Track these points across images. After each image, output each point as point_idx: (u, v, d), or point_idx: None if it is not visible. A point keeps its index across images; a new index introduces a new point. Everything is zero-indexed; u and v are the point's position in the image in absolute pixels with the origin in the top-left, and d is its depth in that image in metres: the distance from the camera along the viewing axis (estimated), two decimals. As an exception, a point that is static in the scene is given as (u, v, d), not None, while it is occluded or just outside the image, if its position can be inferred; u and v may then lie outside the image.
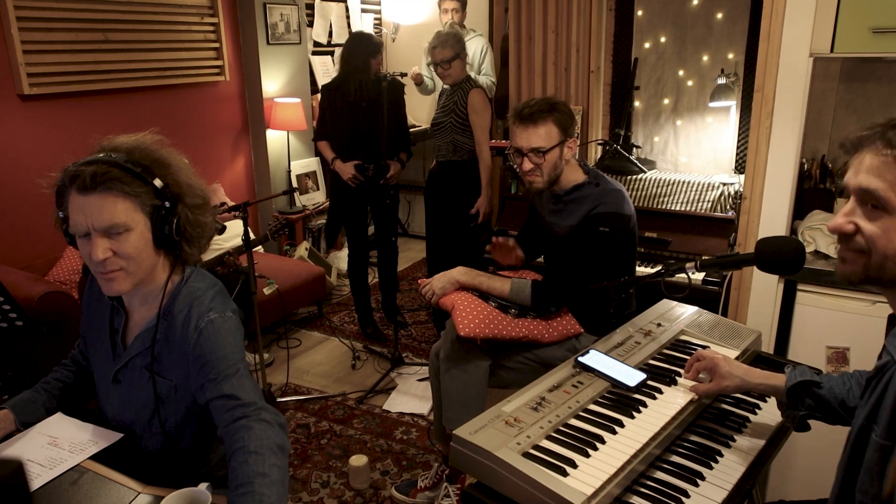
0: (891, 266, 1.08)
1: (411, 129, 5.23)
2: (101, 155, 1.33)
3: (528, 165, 2.20)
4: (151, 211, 1.36)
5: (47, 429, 1.48)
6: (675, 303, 2.09)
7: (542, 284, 2.22)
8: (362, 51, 3.57)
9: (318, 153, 4.96)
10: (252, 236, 2.88)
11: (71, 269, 3.35)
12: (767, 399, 1.73)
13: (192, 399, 1.44)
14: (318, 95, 4.93)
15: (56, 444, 1.42)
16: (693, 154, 3.48)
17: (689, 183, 3.17)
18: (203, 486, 1.20)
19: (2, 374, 2.47)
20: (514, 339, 2.18)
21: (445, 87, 3.70)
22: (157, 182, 1.35)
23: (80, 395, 1.67)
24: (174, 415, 1.48)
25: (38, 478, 1.31)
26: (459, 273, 2.31)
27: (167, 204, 1.36)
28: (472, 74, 4.35)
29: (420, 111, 5.58)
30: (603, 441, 1.41)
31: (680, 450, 1.52)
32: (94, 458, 1.40)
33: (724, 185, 3.10)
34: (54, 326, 2.63)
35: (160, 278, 1.46)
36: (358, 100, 3.57)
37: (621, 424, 1.47)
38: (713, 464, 1.47)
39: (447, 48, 3.46)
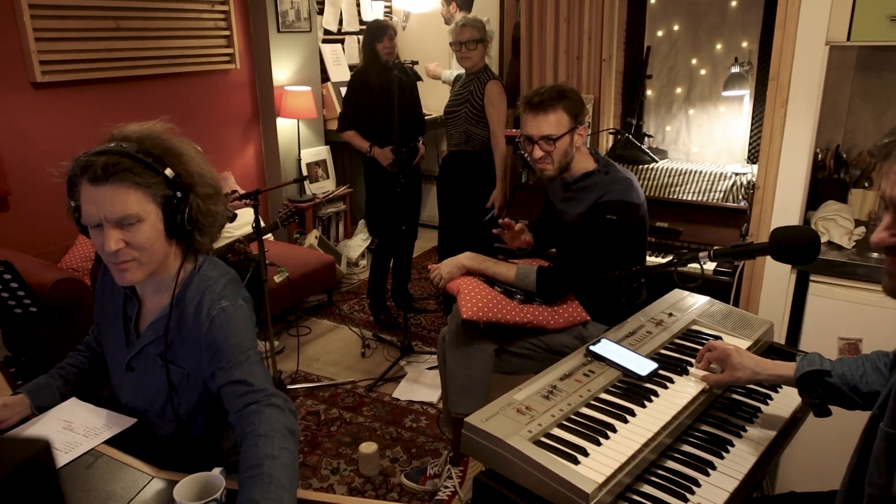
0: None
1: (425, 117, 5.22)
2: (112, 144, 1.33)
3: (538, 153, 2.19)
4: (163, 201, 1.35)
5: (62, 413, 1.49)
6: (686, 293, 2.09)
7: (548, 271, 2.22)
8: (368, 38, 3.66)
9: (328, 142, 4.97)
10: (262, 224, 2.89)
11: (83, 255, 3.38)
12: (779, 389, 1.72)
13: (204, 387, 1.45)
14: (329, 84, 4.95)
15: (71, 429, 1.43)
16: (705, 143, 3.46)
17: (701, 173, 3.15)
18: (217, 470, 1.20)
19: (15, 359, 2.49)
20: (518, 325, 2.19)
21: (460, 73, 3.69)
22: (169, 172, 1.34)
23: (95, 380, 1.68)
24: (186, 402, 1.49)
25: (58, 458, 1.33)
26: (466, 258, 2.33)
27: (179, 194, 1.36)
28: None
29: (431, 100, 5.56)
30: (614, 430, 1.41)
31: (691, 439, 1.51)
32: (108, 442, 1.41)
33: (737, 175, 3.07)
34: (67, 313, 2.65)
35: (173, 267, 1.46)
36: (377, 85, 3.60)
37: (633, 413, 1.47)
38: (724, 453, 1.47)
39: (475, 30, 3.46)
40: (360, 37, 5.08)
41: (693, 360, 1.69)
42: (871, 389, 1.40)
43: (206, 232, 1.45)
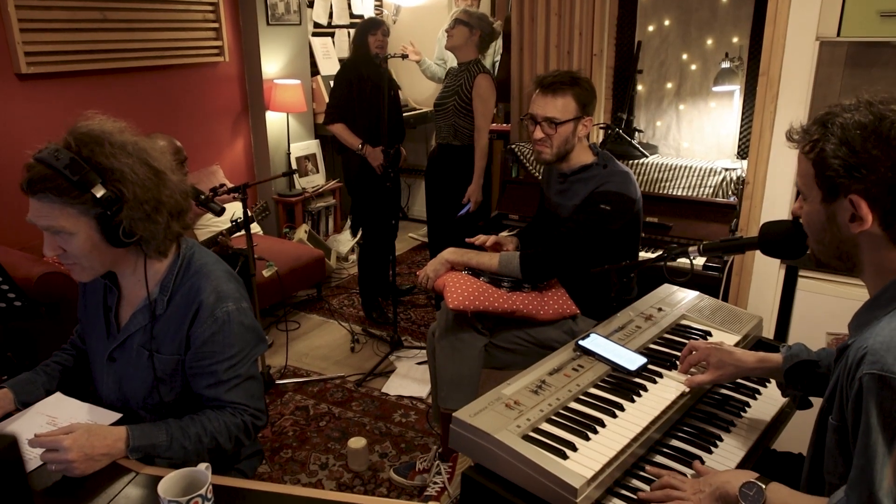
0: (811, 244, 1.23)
1: (412, 112, 5.21)
2: (47, 153, 1.28)
3: (539, 134, 2.19)
4: (97, 215, 1.31)
5: (46, 408, 1.48)
6: (675, 287, 2.09)
7: (531, 254, 2.20)
8: (361, 30, 3.66)
9: (318, 136, 4.93)
10: (247, 218, 2.87)
11: (69, 249, 3.34)
12: (767, 384, 1.73)
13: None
14: (318, 77, 4.92)
15: (55, 424, 1.42)
16: (695, 139, 3.46)
17: (691, 168, 3.15)
18: (202, 466, 1.19)
19: (1, 354, 2.46)
20: (507, 313, 2.17)
21: (453, 66, 3.68)
22: (98, 190, 1.28)
23: (80, 378, 1.67)
24: (171, 391, 1.50)
25: (37, 458, 1.31)
26: (449, 253, 2.33)
27: (109, 213, 1.30)
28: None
29: (421, 94, 5.54)
30: (603, 424, 1.40)
31: (680, 434, 1.52)
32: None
33: (727, 170, 3.08)
34: (53, 307, 2.62)
35: (135, 262, 1.45)
36: (369, 81, 3.59)
37: (621, 408, 1.47)
38: (713, 448, 1.47)
39: (465, 15, 3.47)
40: (351, 30, 5.05)
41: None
42: None
43: (150, 241, 1.39)
